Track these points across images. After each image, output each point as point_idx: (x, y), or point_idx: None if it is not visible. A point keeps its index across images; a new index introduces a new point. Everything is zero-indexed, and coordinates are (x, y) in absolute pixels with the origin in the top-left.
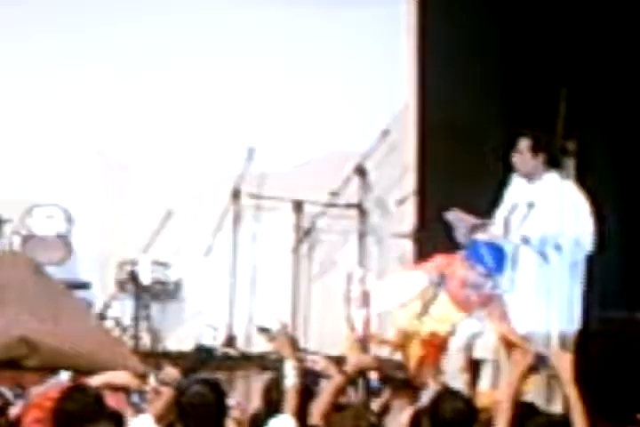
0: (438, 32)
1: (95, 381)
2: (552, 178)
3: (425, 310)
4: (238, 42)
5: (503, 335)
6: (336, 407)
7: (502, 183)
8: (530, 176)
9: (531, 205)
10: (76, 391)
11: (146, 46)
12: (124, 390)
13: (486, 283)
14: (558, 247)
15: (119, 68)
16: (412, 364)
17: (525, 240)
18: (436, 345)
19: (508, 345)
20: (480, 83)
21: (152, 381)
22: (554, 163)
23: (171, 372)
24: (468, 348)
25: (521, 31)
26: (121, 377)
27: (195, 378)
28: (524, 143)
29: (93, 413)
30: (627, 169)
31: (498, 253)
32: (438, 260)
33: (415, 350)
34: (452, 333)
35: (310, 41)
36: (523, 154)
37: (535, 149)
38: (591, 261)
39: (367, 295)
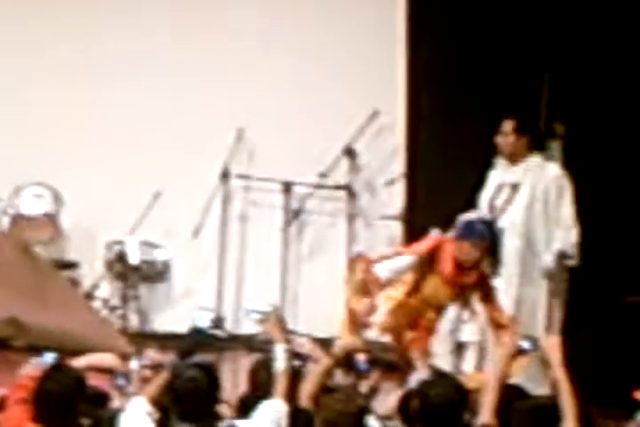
0: (427, 19)
1: (80, 362)
2: (535, 160)
3: (413, 291)
4: (227, 22)
5: (492, 317)
6: (325, 390)
7: (488, 166)
8: (514, 158)
9: (515, 187)
10: (57, 372)
11: (139, 27)
12: (110, 371)
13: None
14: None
15: (110, 50)
16: (401, 346)
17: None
18: (425, 327)
19: (497, 327)
20: (466, 68)
21: (134, 364)
22: (538, 145)
23: (152, 355)
24: (456, 331)
25: (504, 17)
26: (106, 359)
27: (189, 362)
28: (508, 125)
29: (74, 393)
30: (613, 152)
31: (492, 228)
32: (428, 240)
33: (403, 332)
34: (440, 315)
35: (300, 20)
36: (507, 136)
37: (519, 131)
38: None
39: (372, 282)
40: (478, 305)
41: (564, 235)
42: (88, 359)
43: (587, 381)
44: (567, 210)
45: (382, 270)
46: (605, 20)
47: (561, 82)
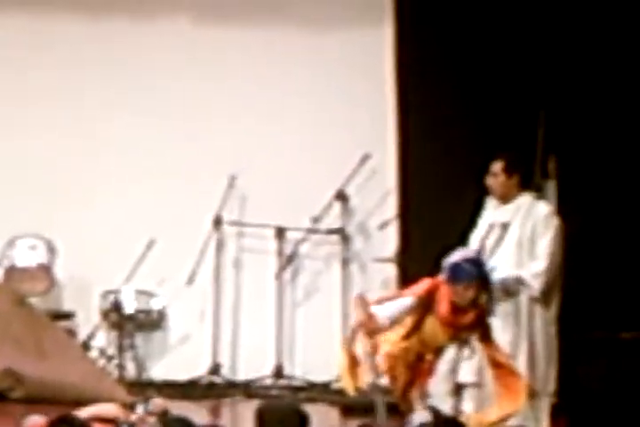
0: (418, 57)
1: (84, 413)
2: (526, 199)
3: (411, 332)
4: (217, 68)
5: (491, 356)
6: None
7: (480, 206)
8: (504, 198)
9: (505, 227)
10: (63, 423)
11: (131, 72)
12: (113, 421)
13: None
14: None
15: (104, 93)
16: (400, 387)
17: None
18: (423, 369)
19: (496, 366)
20: (459, 106)
21: (140, 410)
22: (534, 186)
23: (158, 402)
24: (454, 371)
25: (499, 55)
26: (109, 409)
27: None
28: (497, 166)
29: None
30: (609, 192)
31: (479, 265)
32: (426, 282)
33: (402, 374)
34: (439, 356)
35: (291, 67)
36: (497, 176)
37: (509, 171)
38: (570, 282)
39: (371, 324)
40: (477, 345)
41: (532, 264)
42: (91, 410)
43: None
44: (544, 243)
45: (381, 313)
46: (602, 59)
47: (556, 121)
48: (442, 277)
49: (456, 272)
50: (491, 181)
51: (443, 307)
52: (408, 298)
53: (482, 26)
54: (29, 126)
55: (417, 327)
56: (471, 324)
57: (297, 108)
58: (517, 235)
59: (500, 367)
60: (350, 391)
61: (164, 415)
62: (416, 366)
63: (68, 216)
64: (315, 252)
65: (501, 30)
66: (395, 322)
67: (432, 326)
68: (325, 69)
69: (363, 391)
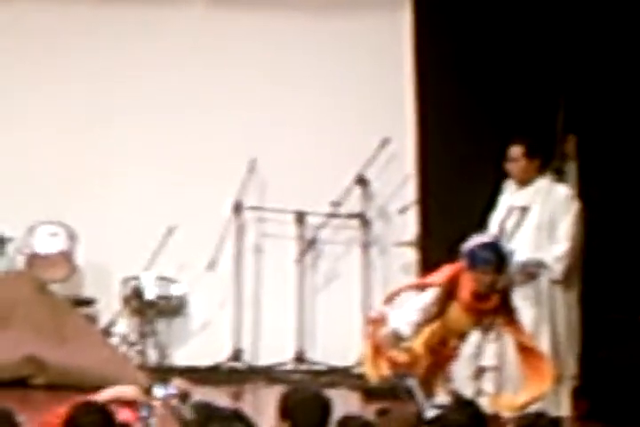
0: (437, 41)
1: (103, 396)
2: (544, 182)
3: (435, 318)
4: (235, 53)
5: (518, 340)
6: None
7: (498, 189)
8: (524, 182)
9: (524, 210)
10: (85, 407)
11: (148, 57)
12: (133, 404)
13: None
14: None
15: (122, 79)
16: (422, 372)
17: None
18: (446, 354)
19: (523, 350)
20: (479, 91)
21: (160, 393)
22: (555, 169)
23: (179, 384)
24: (478, 355)
25: (518, 40)
26: (129, 391)
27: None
28: (517, 151)
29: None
30: (627, 168)
31: (496, 249)
32: (447, 269)
33: (424, 360)
34: (463, 341)
35: (310, 50)
36: (517, 161)
37: (530, 155)
38: (592, 265)
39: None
40: (501, 329)
41: (553, 247)
42: (110, 393)
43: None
44: (565, 226)
45: (401, 321)
46: (621, 40)
47: (576, 101)
48: (462, 263)
49: (473, 259)
50: (511, 166)
51: (464, 293)
52: (428, 294)
53: (501, 8)
54: (48, 114)
55: (441, 313)
56: (494, 309)
57: (316, 93)
58: (537, 218)
59: (527, 351)
60: (373, 379)
61: (185, 398)
62: (439, 350)
63: (88, 203)
64: (335, 236)
65: (521, 13)
66: (420, 325)
67: (455, 311)
68: (344, 54)
69: (385, 378)
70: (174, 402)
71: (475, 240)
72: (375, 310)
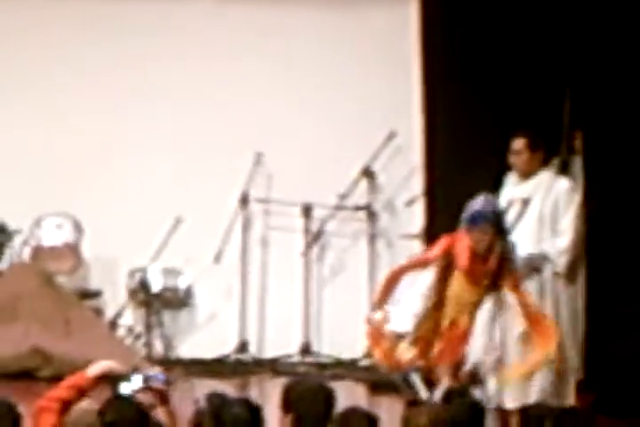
0: (442, 33)
1: (93, 372)
2: (546, 174)
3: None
4: (242, 45)
5: (524, 303)
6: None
7: (500, 182)
8: (527, 174)
9: (525, 202)
10: (117, 402)
11: (154, 50)
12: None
13: None
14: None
15: (129, 72)
16: (432, 360)
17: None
18: (457, 336)
19: (528, 314)
20: (485, 83)
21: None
22: (547, 160)
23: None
24: (492, 328)
25: (525, 31)
26: (115, 366)
27: (230, 399)
28: (520, 143)
29: (135, 422)
30: (633, 163)
31: (495, 211)
32: (442, 242)
33: (433, 346)
34: (473, 318)
35: (317, 43)
36: (520, 154)
37: (533, 148)
38: (597, 258)
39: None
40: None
41: (556, 240)
42: (98, 368)
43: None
44: (568, 219)
45: (400, 319)
46: (628, 34)
47: (583, 96)
48: (461, 226)
49: (474, 218)
50: (514, 159)
51: (462, 258)
52: (424, 282)
53: (508, 1)
54: (53, 106)
55: (443, 290)
56: (495, 271)
57: (323, 86)
58: (538, 211)
59: (531, 315)
60: (385, 369)
61: (170, 385)
62: (450, 333)
63: (94, 195)
64: (341, 229)
65: (527, 6)
66: (421, 316)
67: (458, 283)
68: (352, 47)
69: (395, 368)
70: (167, 388)
71: (477, 202)
72: (373, 313)
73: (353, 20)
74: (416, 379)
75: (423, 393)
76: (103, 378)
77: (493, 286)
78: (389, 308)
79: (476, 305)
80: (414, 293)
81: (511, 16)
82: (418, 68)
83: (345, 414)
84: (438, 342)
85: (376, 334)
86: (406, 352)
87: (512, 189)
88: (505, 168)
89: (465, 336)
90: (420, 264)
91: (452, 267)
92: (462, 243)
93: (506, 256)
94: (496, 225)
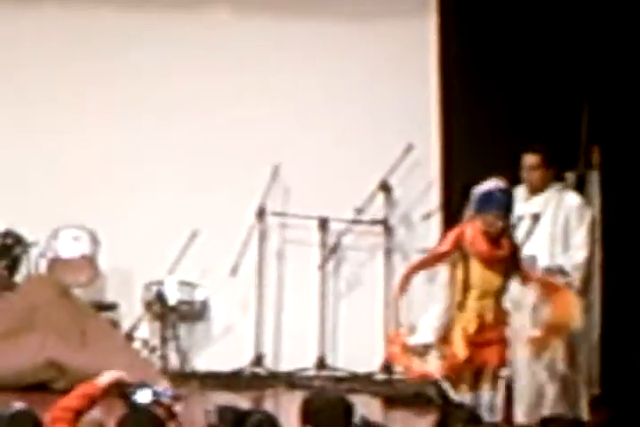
0: (460, 46)
1: (104, 382)
2: (554, 190)
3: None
4: (260, 57)
5: (540, 281)
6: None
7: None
8: (538, 190)
9: (536, 217)
10: (135, 413)
11: (170, 62)
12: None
13: None
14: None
15: (145, 83)
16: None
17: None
18: (488, 340)
19: (546, 287)
20: (503, 98)
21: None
22: (578, 181)
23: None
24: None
25: (542, 45)
26: (124, 376)
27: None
28: (534, 159)
29: None
30: None
31: (509, 196)
32: (450, 235)
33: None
34: (500, 304)
35: (334, 56)
36: (534, 170)
37: (547, 164)
38: (614, 272)
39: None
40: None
41: (571, 254)
42: (109, 377)
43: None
44: (581, 234)
45: (424, 334)
46: None
47: (601, 111)
48: (470, 211)
49: (488, 200)
50: (527, 174)
51: (479, 244)
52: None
53: (526, 15)
54: (71, 118)
55: (464, 283)
56: (510, 256)
57: (340, 99)
58: (549, 226)
59: (549, 287)
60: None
61: (178, 400)
62: (479, 339)
63: (111, 207)
64: (358, 243)
65: (545, 20)
66: (444, 326)
67: (477, 273)
68: (369, 60)
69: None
70: (175, 404)
71: (487, 184)
72: (394, 328)
73: (371, 33)
74: (448, 388)
75: (458, 398)
76: (113, 388)
77: (510, 270)
78: (415, 320)
79: (500, 293)
80: (429, 315)
81: (530, 29)
82: (435, 81)
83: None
84: (470, 352)
85: (401, 347)
86: (434, 362)
87: (522, 204)
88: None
89: (498, 339)
90: (435, 259)
91: (466, 258)
92: (471, 230)
93: (517, 246)
94: (508, 207)
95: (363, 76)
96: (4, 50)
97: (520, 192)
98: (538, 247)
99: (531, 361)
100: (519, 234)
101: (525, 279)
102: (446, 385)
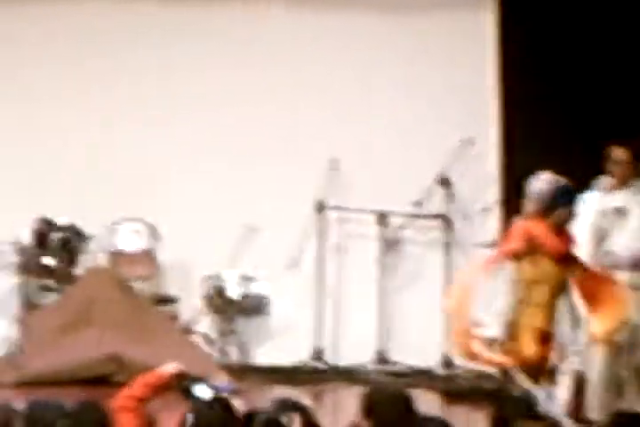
0: (521, 39)
1: (168, 371)
2: (638, 184)
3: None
4: (317, 51)
5: (589, 271)
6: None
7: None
8: (621, 184)
9: (620, 212)
10: (211, 405)
11: (234, 52)
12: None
13: None
14: None
15: (203, 79)
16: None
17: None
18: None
19: (597, 278)
20: (564, 90)
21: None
22: None
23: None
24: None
25: (607, 37)
26: (184, 368)
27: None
28: (623, 154)
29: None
30: None
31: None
32: (515, 234)
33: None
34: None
35: (392, 49)
36: (623, 164)
37: (636, 159)
38: None
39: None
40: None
41: None
42: (171, 368)
43: None
44: None
45: (490, 328)
46: None
47: None
48: (537, 202)
49: (562, 194)
50: (614, 168)
51: (550, 240)
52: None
53: (590, 3)
54: (128, 112)
55: (534, 276)
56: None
57: (399, 92)
58: (637, 221)
59: (601, 278)
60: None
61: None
62: (545, 336)
63: (170, 201)
64: (417, 237)
65: (611, 9)
66: (510, 324)
67: (543, 267)
68: (427, 53)
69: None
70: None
71: (554, 180)
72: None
73: (429, 26)
74: (523, 380)
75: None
76: (174, 380)
77: (570, 263)
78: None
79: (563, 286)
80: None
81: (592, 20)
82: (495, 73)
83: (421, 422)
84: (534, 339)
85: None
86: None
87: (604, 198)
88: (586, 177)
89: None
90: (506, 256)
91: (534, 252)
92: (538, 225)
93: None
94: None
95: (421, 69)
96: (13, 48)
97: (602, 185)
98: (626, 242)
99: (607, 357)
100: (602, 228)
101: (584, 273)
102: (522, 377)
